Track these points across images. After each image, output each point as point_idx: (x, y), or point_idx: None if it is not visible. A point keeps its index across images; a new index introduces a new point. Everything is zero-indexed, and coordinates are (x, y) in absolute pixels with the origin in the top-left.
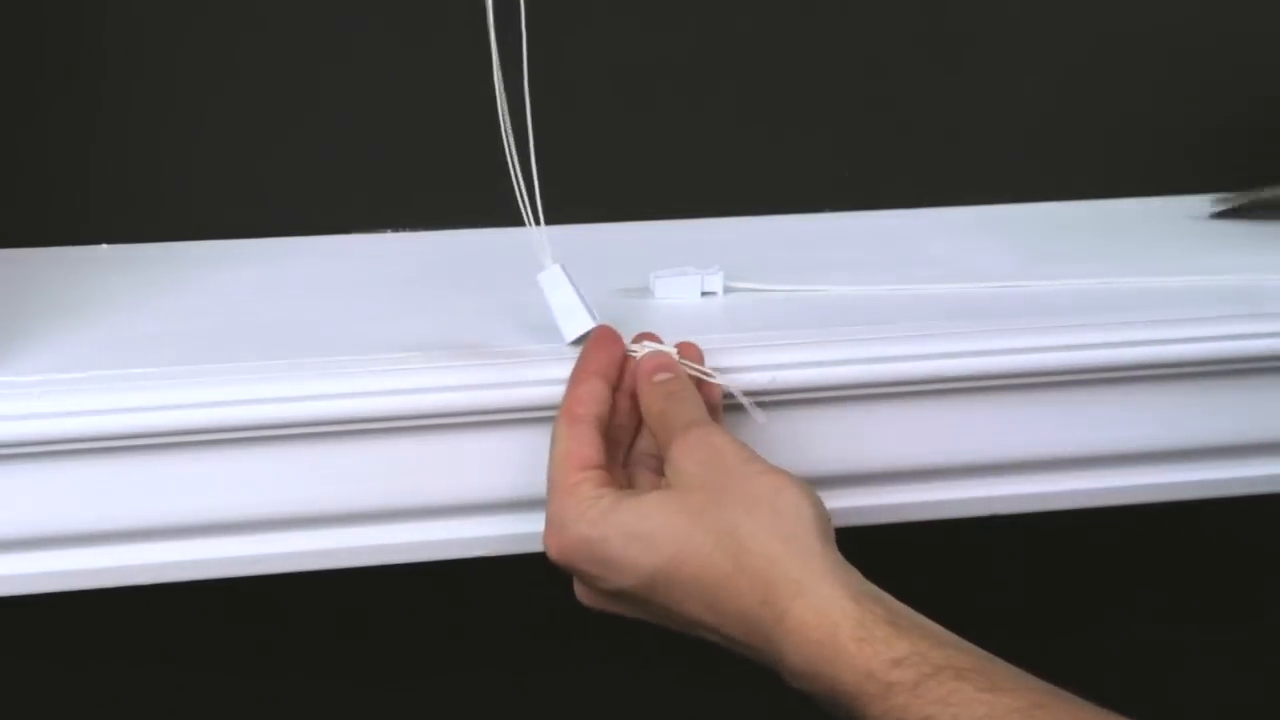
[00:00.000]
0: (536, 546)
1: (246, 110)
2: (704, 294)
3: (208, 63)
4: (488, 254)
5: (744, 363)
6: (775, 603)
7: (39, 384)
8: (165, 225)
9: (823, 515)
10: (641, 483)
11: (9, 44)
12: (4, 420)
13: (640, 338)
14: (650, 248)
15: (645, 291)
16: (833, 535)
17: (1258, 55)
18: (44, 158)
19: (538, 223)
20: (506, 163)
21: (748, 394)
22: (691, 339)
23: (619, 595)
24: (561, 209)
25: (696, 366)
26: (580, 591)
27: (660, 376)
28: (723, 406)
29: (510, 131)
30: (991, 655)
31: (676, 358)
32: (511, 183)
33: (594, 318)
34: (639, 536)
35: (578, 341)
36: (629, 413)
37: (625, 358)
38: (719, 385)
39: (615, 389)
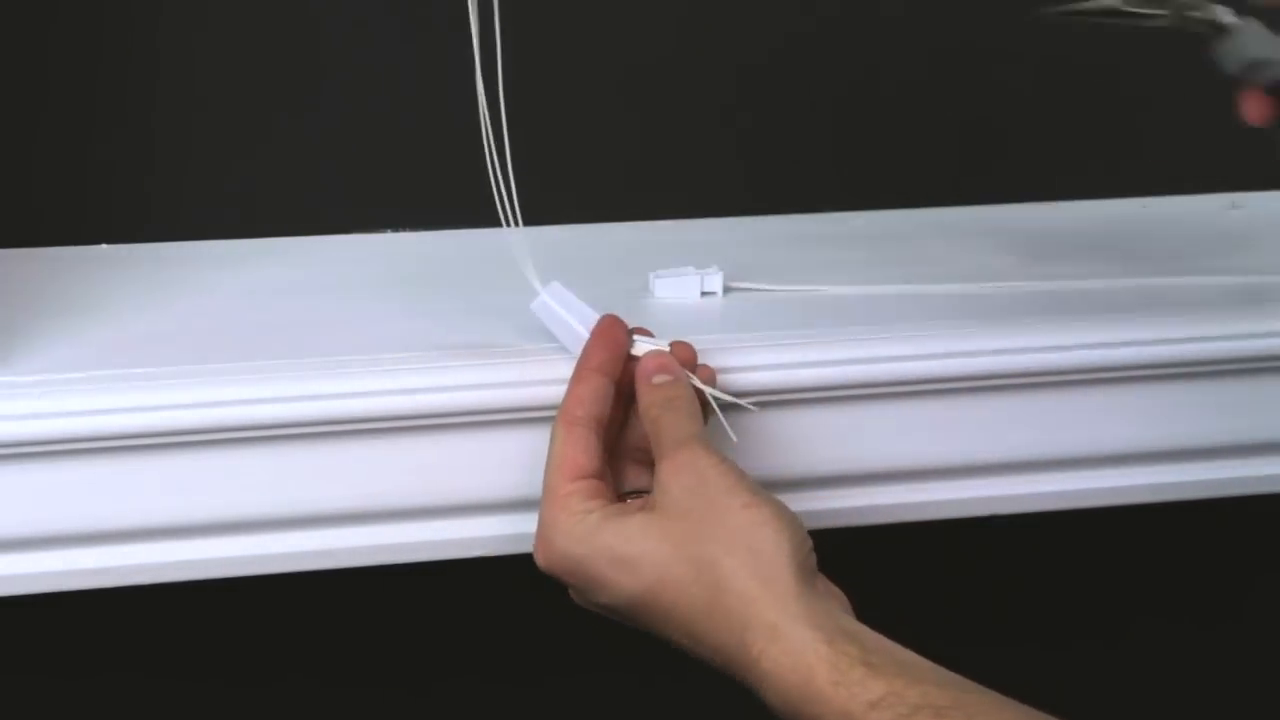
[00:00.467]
0: None
1: (246, 110)
2: (704, 294)
3: (207, 63)
4: (487, 254)
5: (744, 363)
6: (751, 644)
7: (39, 384)
8: (165, 225)
9: (802, 550)
10: (629, 478)
11: (9, 44)
12: (4, 420)
13: (634, 332)
14: (650, 248)
15: (645, 291)
16: (813, 568)
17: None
18: (44, 158)
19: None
20: (506, 164)
21: (746, 397)
22: (691, 339)
23: (605, 607)
24: (560, 209)
25: (689, 377)
26: (573, 594)
27: (659, 379)
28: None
29: (491, 139)
30: (971, 685)
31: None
32: (510, 182)
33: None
34: (622, 561)
35: None
36: (622, 405)
37: (628, 350)
38: (704, 391)
39: (617, 382)
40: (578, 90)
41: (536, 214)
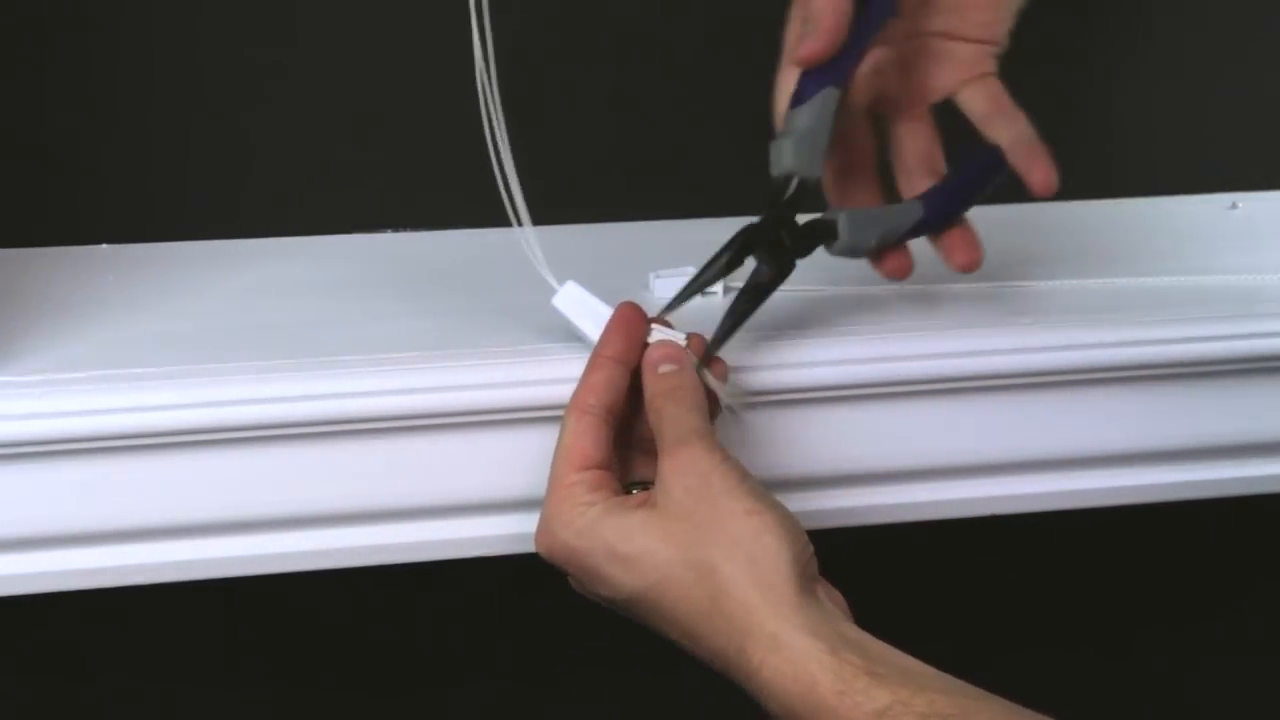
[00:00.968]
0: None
1: (246, 110)
2: (704, 294)
3: (207, 62)
4: (488, 254)
5: (744, 362)
6: (752, 653)
7: (39, 384)
8: (165, 225)
9: (803, 557)
10: (638, 468)
11: (9, 44)
12: (4, 420)
13: (653, 322)
14: (650, 248)
15: (645, 291)
16: (814, 574)
17: (1257, 54)
18: (44, 158)
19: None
20: (506, 164)
21: (746, 394)
22: (700, 333)
23: (604, 600)
24: (560, 209)
25: (699, 368)
26: (573, 583)
27: (665, 368)
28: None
29: (498, 139)
30: (977, 691)
31: (683, 342)
32: (512, 183)
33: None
34: (621, 558)
35: None
36: (635, 395)
37: (646, 339)
38: (714, 381)
39: (633, 371)
40: (578, 90)
41: (537, 213)
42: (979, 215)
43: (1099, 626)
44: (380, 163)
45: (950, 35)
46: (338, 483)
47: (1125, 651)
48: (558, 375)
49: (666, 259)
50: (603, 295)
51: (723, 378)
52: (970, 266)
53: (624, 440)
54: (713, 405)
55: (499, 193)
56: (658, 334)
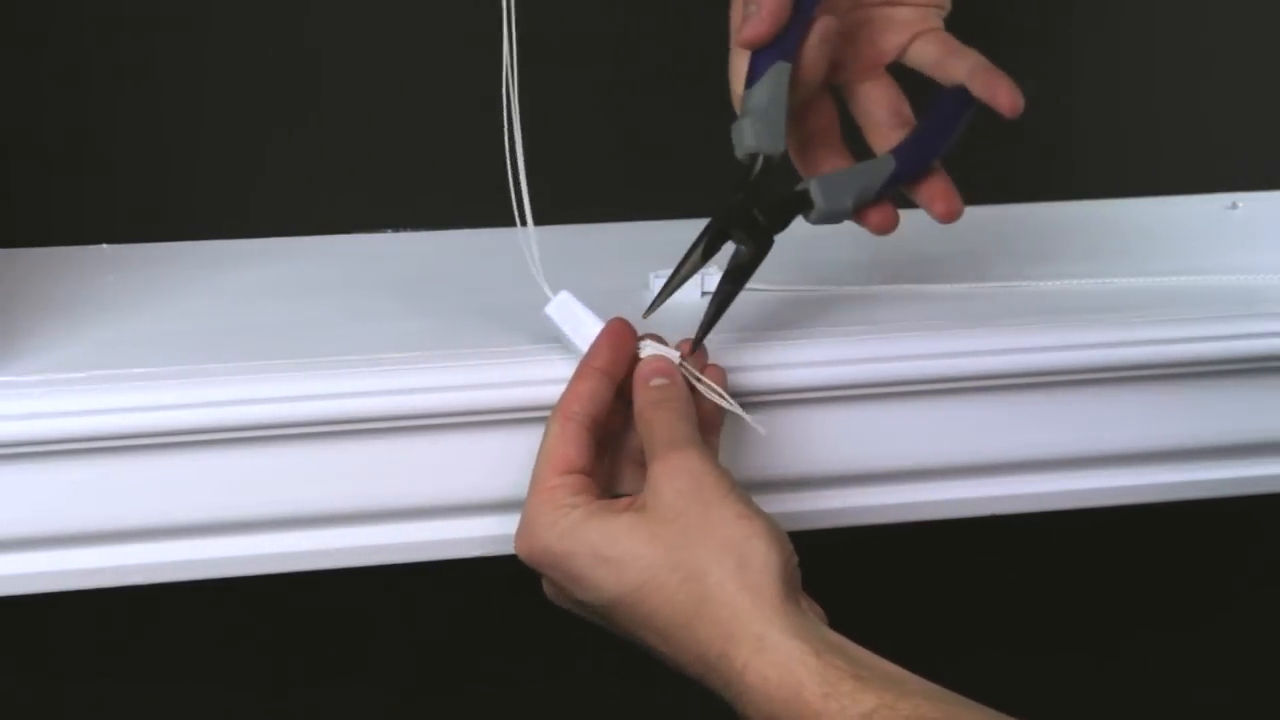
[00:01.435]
0: None
1: (246, 110)
2: (704, 294)
3: (208, 62)
4: (488, 254)
5: (744, 363)
6: (735, 656)
7: (39, 384)
8: (165, 225)
9: (789, 564)
10: (625, 480)
11: (9, 44)
12: (4, 420)
13: (646, 338)
14: (650, 248)
15: (645, 291)
16: (798, 583)
17: (1257, 54)
18: (44, 158)
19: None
20: (506, 163)
21: (736, 396)
22: (692, 338)
23: (581, 605)
24: (561, 209)
25: (693, 373)
26: (547, 589)
27: (656, 381)
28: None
29: (513, 140)
30: (960, 698)
31: (679, 360)
32: (511, 183)
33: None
34: (605, 560)
35: None
36: (624, 409)
37: (635, 354)
38: (717, 394)
39: (619, 384)
40: (577, 90)
41: (537, 213)
42: (978, 215)
43: (1098, 627)
44: (380, 163)
45: (894, 1)
46: (337, 483)
47: (1125, 652)
48: (556, 375)
49: (666, 259)
50: (603, 295)
51: (721, 383)
52: (951, 215)
53: (612, 452)
54: (712, 414)
55: (498, 193)
56: (649, 348)
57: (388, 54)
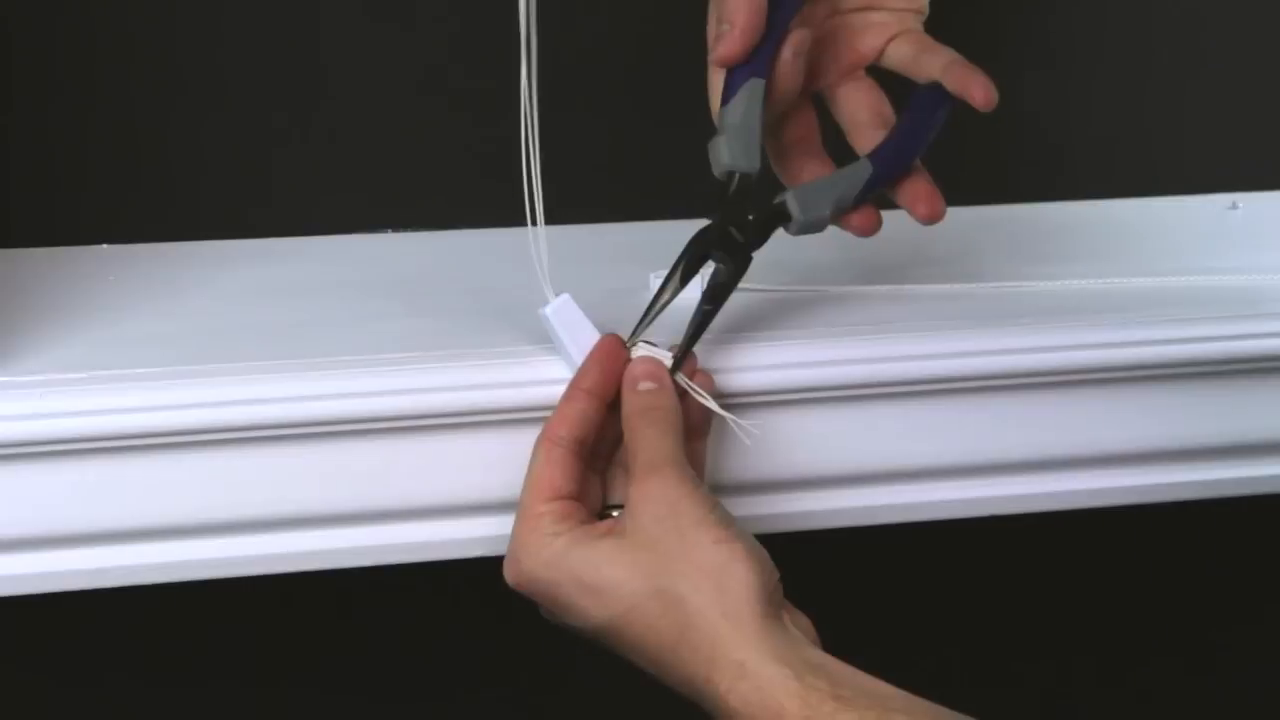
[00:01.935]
0: None
1: (247, 110)
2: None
3: (208, 62)
4: (488, 254)
5: (744, 363)
6: (718, 682)
7: (39, 384)
8: (165, 225)
9: (770, 583)
10: (619, 489)
11: (9, 43)
12: (4, 420)
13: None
14: (650, 248)
15: (645, 291)
16: (780, 601)
17: (1257, 54)
18: (44, 158)
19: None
20: (506, 162)
21: (737, 396)
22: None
23: (573, 629)
24: (561, 209)
25: (688, 383)
26: (543, 610)
27: (644, 385)
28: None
29: (530, 142)
30: (944, 711)
31: (669, 362)
32: (510, 183)
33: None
34: (589, 589)
35: None
36: (615, 419)
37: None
38: (706, 400)
39: (609, 404)
40: (577, 90)
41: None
42: (978, 215)
43: (1098, 627)
44: (380, 163)
45: (872, 6)
46: (337, 483)
47: (1124, 652)
48: (556, 376)
49: (666, 259)
50: (603, 295)
51: (709, 388)
52: (933, 216)
53: (606, 459)
54: (700, 419)
55: (498, 193)
56: (641, 349)
57: (388, 54)
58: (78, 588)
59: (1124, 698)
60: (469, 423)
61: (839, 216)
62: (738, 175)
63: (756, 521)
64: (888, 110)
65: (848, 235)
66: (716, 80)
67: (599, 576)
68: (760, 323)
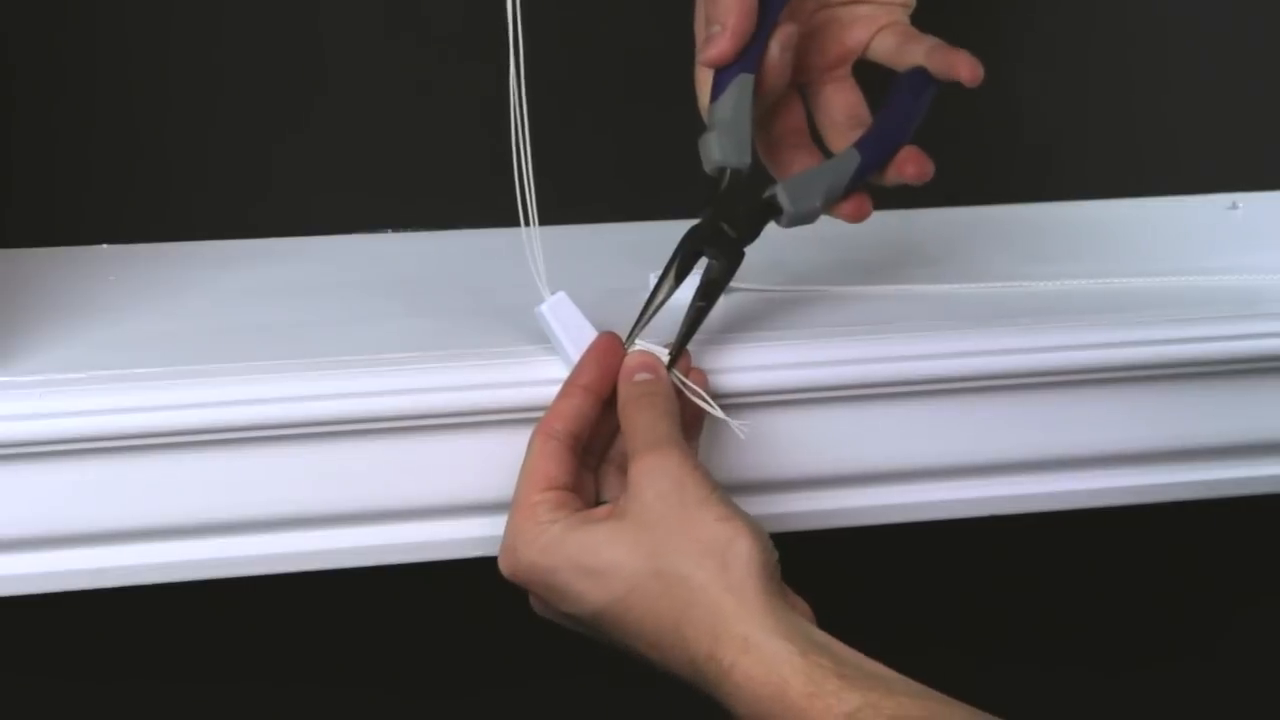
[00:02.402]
0: None
1: (247, 110)
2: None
3: (208, 62)
4: (488, 254)
5: (744, 363)
6: (722, 657)
7: (39, 384)
8: (165, 225)
9: (771, 562)
10: (611, 486)
11: (9, 44)
12: (4, 420)
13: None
14: (649, 247)
15: (645, 291)
16: (779, 581)
17: (1257, 54)
18: (44, 158)
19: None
20: (506, 162)
21: (735, 396)
22: (692, 338)
23: (568, 617)
24: (561, 209)
25: (683, 379)
26: (534, 604)
27: (640, 376)
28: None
29: (520, 141)
30: (943, 697)
31: (665, 359)
32: (510, 183)
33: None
34: (589, 572)
35: None
36: (610, 418)
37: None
38: (699, 396)
39: (605, 401)
40: (577, 90)
41: (537, 213)
42: (978, 215)
43: (1098, 627)
44: (380, 163)
45: (861, 0)
46: (337, 483)
47: (1123, 652)
48: (556, 376)
49: (666, 259)
50: (602, 295)
51: (703, 385)
52: (923, 175)
53: (599, 456)
54: (694, 417)
55: (498, 193)
56: (638, 345)
57: (388, 54)
58: (78, 588)
59: (1124, 697)
60: (469, 423)
61: (829, 207)
62: (729, 171)
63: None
64: (865, 113)
65: (846, 235)
66: (704, 77)
67: (598, 559)
68: (758, 323)
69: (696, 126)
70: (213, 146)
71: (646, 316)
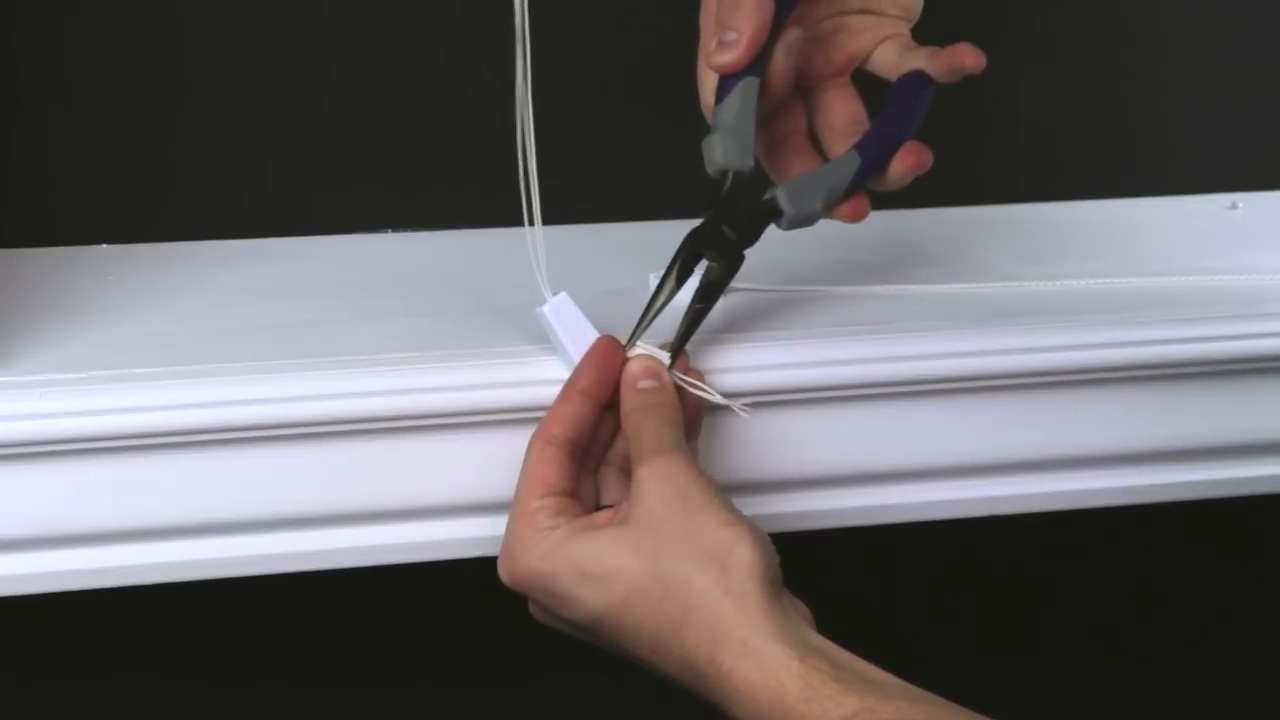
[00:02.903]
0: None
1: (247, 110)
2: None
3: (208, 62)
4: (488, 254)
5: (743, 363)
6: (721, 661)
7: (39, 384)
8: (165, 225)
9: (771, 567)
10: (610, 490)
11: (9, 44)
12: (4, 420)
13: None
14: (650, 248)
15: (645, 291)
16: (780, 586)
17: (1257, 55)
18: (44, 158)
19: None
20: (507, 162)
21: (735, 395)
22: (692, 338)
23: (568, 623)
24: (561, 209)
25: (683, 378)
26: (534, 610)
27: (644, 383)
28: (705, 411)
29: (530, 144)
30: (941, 700)
31: (667, 361)
32: (510, 183)
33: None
34: (589, 577)
35: None
36: (610, 420)
37: (622, 369)
38: (702, 397)
39: (604, 406)
40: (577, 90)
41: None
42: (978, 215)
43: (1098, 626)
44: (380, 163)
45: (869, 10)
46: (337, 483)
47: (1123, 653)
48: (556, 376)
49: (666, 259)
50: (602, 295)
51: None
52: (921, 165)
53: (599, 458)
54: (694, 417)
55: (498, 193)
56: (639, 348)
57: (388, 54)
58: (78, 588)
59: (1123, 697)
60: (469, 423)
61: (829, 209)
62: (731, 173)
63: (755, 521)
64: (864, 119)
65: (846, 235)
66: (707, 77)
67: (601, 564)
68: (758, 323)
69: (698, 126)
70: (212, 146)
71: (648, 318)
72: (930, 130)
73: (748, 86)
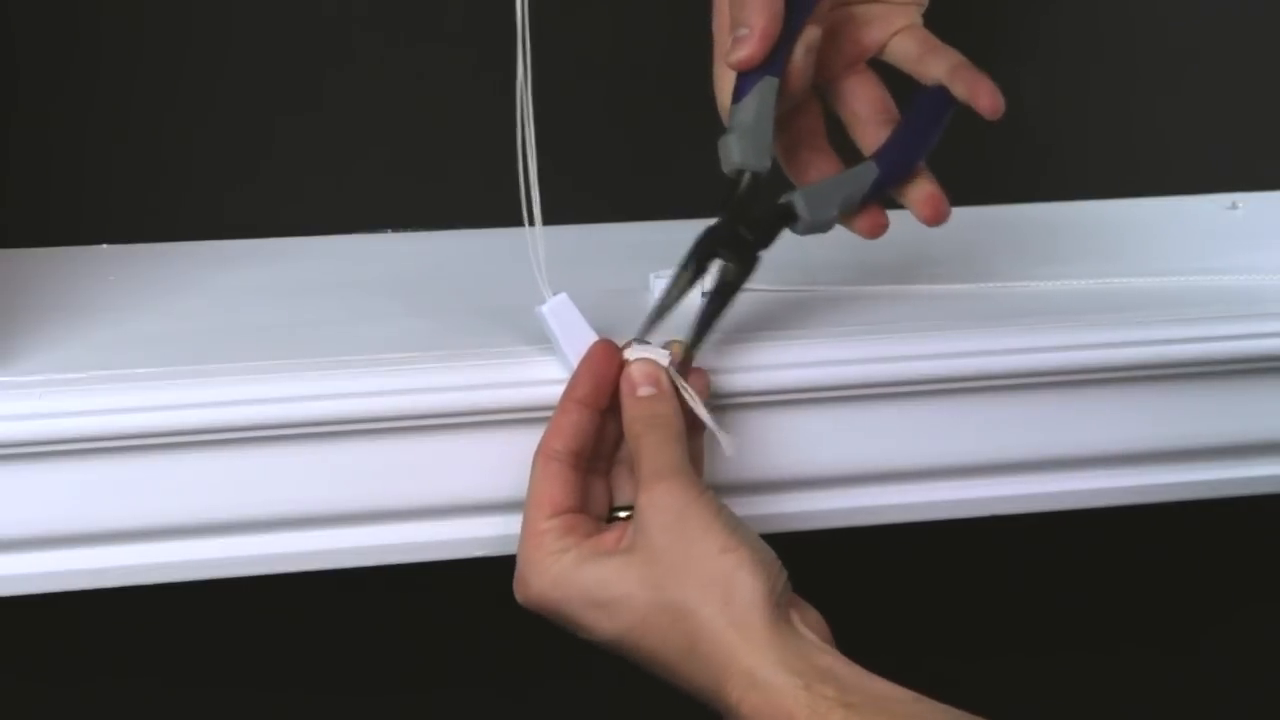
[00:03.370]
0: None
1: (246, 110)
2: (704, 294)
3: (208, 62)
4: (488, 254)
5: (743, 363)
6: (729, 692)
7: (39, 384)
8: (165, 225)
9: (777, 588)
10: (623, 487)
11: (9, 44)
12: (4, 420)
13: (632, 342)
14: (650, 248)
15: (645, 291)
16: (787, 602)
17: (1258, 54)
18: (44, 158)
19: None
20: (507, 162)
21: (735, 395)
22: (681, 339)
23: (589, 639)
24: (561, 209)
25: (680, 383)
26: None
27: (644, 390)
28: (708, 407)
29: (525, 141)
30: (952, 711)
31: (667, 363)
32: (510, 183)
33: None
34: (599, 604)
35: None
36: (614, 421)
37: (620, 371)
38: (695, 405)
39: (604, 411)
40: (577, 90)
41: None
42: (978, 215)
43: (1098, 626)
44: (380, 163)
45: None
46: (338, 483)
47: (1123, 653)
48: (555, 377)
49: (666, 259)
50: (603, 296)
51: (704, 390)
52: (937, 219)
53: (609, 459)
54: (697, 419)
55: (497, 193)
56: (637, 350)
57: (388, 54)
58: (78, 588)
59: (1123, 697)
60: (468, 423)
61: (845, 217)
62: (748, 174)
63: (756, 521)
64: (890, 104)
65: (848, 235)
66: (724, 77)
67: (608, 592)
68: (760, 323)
69: (699, 126)
70: (212, 146)
71: (660, 315)
72: None
73: (765, 86)
